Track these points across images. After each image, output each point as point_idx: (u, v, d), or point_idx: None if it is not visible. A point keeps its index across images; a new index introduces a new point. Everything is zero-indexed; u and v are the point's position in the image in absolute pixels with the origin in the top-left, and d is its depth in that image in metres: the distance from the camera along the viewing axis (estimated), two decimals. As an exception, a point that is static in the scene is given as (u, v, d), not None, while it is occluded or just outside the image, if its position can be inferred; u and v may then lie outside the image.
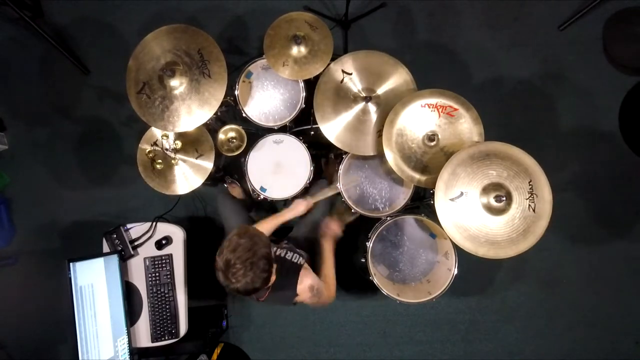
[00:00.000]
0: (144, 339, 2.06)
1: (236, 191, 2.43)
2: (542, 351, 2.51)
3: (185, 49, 1.86)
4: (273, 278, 1.52)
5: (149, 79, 1.86)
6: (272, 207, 2.58)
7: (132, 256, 2.08)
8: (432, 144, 1.83)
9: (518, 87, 2.59)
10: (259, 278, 1.36)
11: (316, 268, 1.84)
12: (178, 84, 1.85)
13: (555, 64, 2.59)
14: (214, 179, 2.40)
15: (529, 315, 2.53)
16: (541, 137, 2.57)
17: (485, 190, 1.68)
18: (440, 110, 1.84)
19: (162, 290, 2.06)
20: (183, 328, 2.07)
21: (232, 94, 2.11)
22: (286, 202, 2.49)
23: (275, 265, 1.48)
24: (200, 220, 2.58)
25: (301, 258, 1.74)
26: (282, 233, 2.15)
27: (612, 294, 2.51)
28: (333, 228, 1.90)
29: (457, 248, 1.89)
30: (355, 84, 1.96)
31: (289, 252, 1.74)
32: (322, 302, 1.72)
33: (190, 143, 2.06)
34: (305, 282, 1.62)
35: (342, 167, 2.09)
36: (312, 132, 2.16)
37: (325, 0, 2.63)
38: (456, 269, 1.93)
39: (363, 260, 2.03)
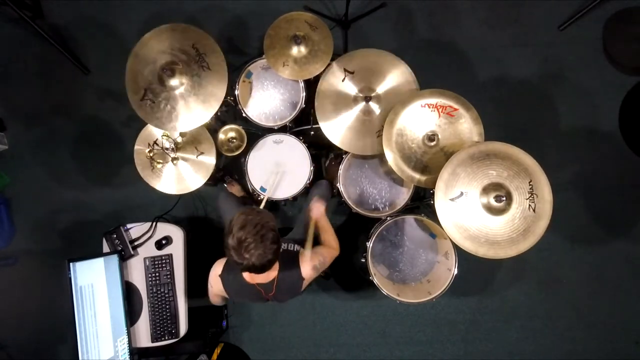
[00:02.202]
0: (144, 339, 2.06)
1: (235, 189, 2.43)
2: (542, 351, 2.51)
3: (180, 47, 1.85)
4: (277, 267, 1.53)
5: (148, 84, 1.85)
6: (272, 207, 2.58)
7: (132, 256, 2.08)
8: (432, 144, 1.83)
9: (518, 87, 2.59)
10: (270, 250, 1.39)
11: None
12: (179, 83, 1.85)
13: (555, 64, 2.59)
14: (214, 179, 2.40)
15: (529, 315, 2.53)
16: (541, 137, 2.57)
17: (485, 190, 1.68)
18: (440, 110, 1.84)
19: (162, 290, 2.06)
20: (183, 328, 2.07)
21: (232, 94, 2.11)
22: (286, 203, 2.50)
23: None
24: (200, 220, 2.58)
25: (296, 245, 1.76)
26: (281, 234, 2.15)
27: (612, 294, 2.51)
28: (318, 206, 1.87)
29: (457, 248, 1.89)
30: (356, 83, 1.96)
31: (283, 243, 1.75)
32: (329, 264, 1.75)
33: (190, 142, 2.06)
34: (307, 265, 1.63)
35: (342, 166, 2.09)
36: (312, 132, 2.16)
37: (325, 0, 2.63)
38: (456, 269, 1.93)
39: (363, 260, 2.03)
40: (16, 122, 2.66)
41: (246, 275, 1.56)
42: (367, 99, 1.93)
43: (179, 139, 1.98)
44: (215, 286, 1.68)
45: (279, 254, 1.47)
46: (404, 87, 1.94)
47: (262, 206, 1.96)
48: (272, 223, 1.42)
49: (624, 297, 2.51)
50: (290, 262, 1.63)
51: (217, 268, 1.66)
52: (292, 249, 1.74)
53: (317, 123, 1.98)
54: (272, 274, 1.56)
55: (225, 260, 1.65)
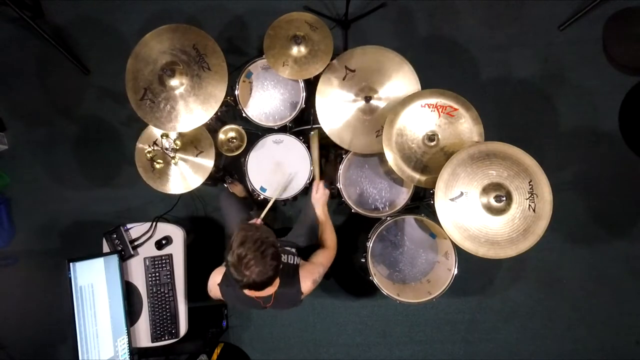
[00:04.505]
0: (144, 339, 2.06)
1: (238, 189, 2.43)
2: (542, 351, 2.51)
3: (180, 47, 1.86)
4: (277, 280, 1.53)
5: (148, 84, 1.85)
6: (272, 207, 2.57)
7: (132, 256, 2.08)
8: (432, 144, 1.83)
9: (518, 87, 2.59)
10: (271, 266, 1.37)
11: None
12: (179, 83, 1.85)
13: (555, 64, 2.59)
14: (214, 179, 2.40)
15: (529, 315, 2.53)
16: (541, 137, 2.57)
17: (485, 190, 1.68)
18: (440, 110, 1.84)
19: (162, 290, 2.06)
20: (183, 328, 2.07)
21: (232, 94, 2.11)
22: (286, 203, 2.50)
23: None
24: (200, 220, 2.58)
25: (295, 257, 1.74)
26: (281, 234, 2.15)
27: (612, 294, 2.51)
28: (322, 192, 1.88)
29: (457, 248, 1.89)
30: (356, 82, 1.96)
31: (282, 255, 1.74)
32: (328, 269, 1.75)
33: (189, 142, 2.05)
34: (307, 280, 1.63)
35: (342, 166, 2.09)
36: (312, 132, 2.16)
37: (325, 0, 2.63)
38: (456, 269, 1.93)
39: (363, 260, 2.03)
40: (16, 122, 2.67)
41: (245, 290, 1.56)
42: (367, 98, 1.93)
43: (178, 140, 1.97)
44: (214, 292, 1.68)
45: (279, 270, 1.45)
46: (405, 87, 1.94)
47: (267, 208, 1.94)
48: (272, 239, 1.40)
49: (624, 297, 2.50)
50: (291, 276, 1.61)
51: (217, 276, 1.65)
52: (292, 262, 1.71)
53: (317, 123, 1.98)
54: (271, 289, 1.54)
55: (225, 270, 1.63)
